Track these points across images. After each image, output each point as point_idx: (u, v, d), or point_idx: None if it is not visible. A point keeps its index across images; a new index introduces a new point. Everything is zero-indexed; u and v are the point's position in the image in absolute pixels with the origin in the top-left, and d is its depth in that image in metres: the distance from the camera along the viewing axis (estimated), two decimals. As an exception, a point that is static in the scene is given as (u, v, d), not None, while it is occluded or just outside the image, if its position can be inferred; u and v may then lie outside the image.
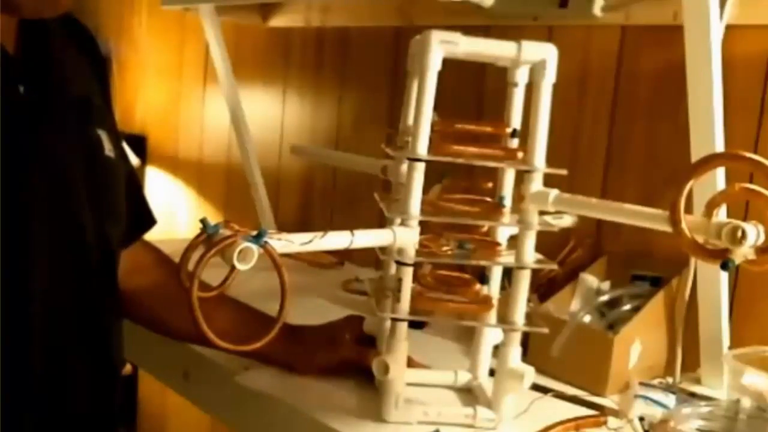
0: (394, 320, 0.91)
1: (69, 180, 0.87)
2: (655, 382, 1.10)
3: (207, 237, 0.76)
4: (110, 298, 0.95)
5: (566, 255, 1.26)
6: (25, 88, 0.84)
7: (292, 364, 1.05)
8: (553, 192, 0.89)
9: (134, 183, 1.07)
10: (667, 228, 0.76)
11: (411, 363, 0.99)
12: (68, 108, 0.90)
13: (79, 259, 0.88)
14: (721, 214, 0.78)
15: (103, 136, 0.93)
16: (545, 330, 0.93)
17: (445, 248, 0.93)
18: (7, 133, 0.79)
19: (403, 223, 0.89)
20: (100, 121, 0.94)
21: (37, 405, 0.85)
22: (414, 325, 0.96)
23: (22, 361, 0.82)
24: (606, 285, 1.22)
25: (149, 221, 1.09)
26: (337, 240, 0.82)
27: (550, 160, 0.91)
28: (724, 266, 0.72)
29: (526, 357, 0.95)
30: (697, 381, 1.14)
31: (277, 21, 1.95)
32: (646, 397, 1.02)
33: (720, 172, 0.99)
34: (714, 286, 1.08)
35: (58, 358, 0.87)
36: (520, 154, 0.92)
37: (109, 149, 0.94)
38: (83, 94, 0.94)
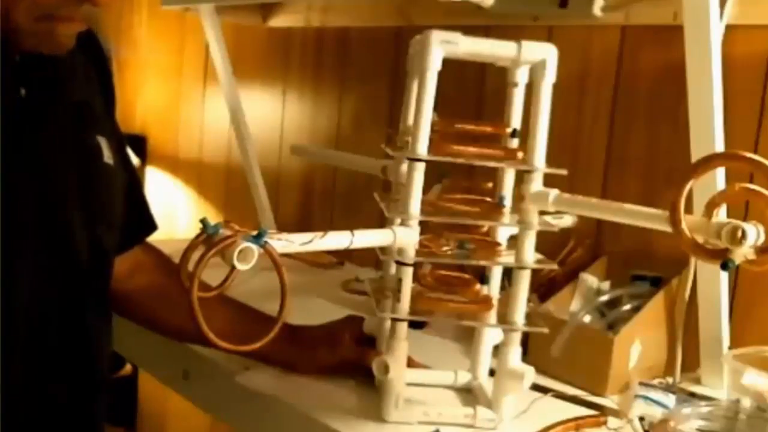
0: (394, 320, 0.91)
1: (59, 184, 0.87)
2: (655, 382, 1.09)
3: (207, 237, 0.76)
4: (99, 299, 0.94)
5: (566, 255, 1.26)
6: (26, 91, 0.84)
7: (292, 364, 1.04)
8: (553, 192, 0.89)
9: (136, 188, 1.07)
10: (667, 228, 0.76)
11: (411, 363, 0.99)
12: (67, 113, 0.90)
13: (66, 260, 0.88)
14: (721, 214, 0.78)
15: (103, 143, 0.93)
16: (545, 330, 0.93)
17: (445, 248, 0.93)
18: (4, 135, 0.79)
19: (403, 223, 0.89)
20: (100, 128, 0.94)
21: (17, 403, 0.84)
22: (414, 325, 0.96)
23: (4, 358, 0.82)
24: (606, 285, 1.22)
25: (150, 226, 1.08)
26: (337, 240, 0.82)
27: (550, 160, 0.91)
28: (724, 266, 0.72)
29: (526, 357, 0.95)
30: (697, 381, 1.14)
31: (277, 21, 1.95)
32: (646, 397, 1.02)
33: (720, 172, 0.99)
34: (714, 286, 1.08)
35: (39, 357, 0.86)
36: (520, 154, 0.92)
37: (108, 156, 0.93)
38: (84, 100, 0.94)
